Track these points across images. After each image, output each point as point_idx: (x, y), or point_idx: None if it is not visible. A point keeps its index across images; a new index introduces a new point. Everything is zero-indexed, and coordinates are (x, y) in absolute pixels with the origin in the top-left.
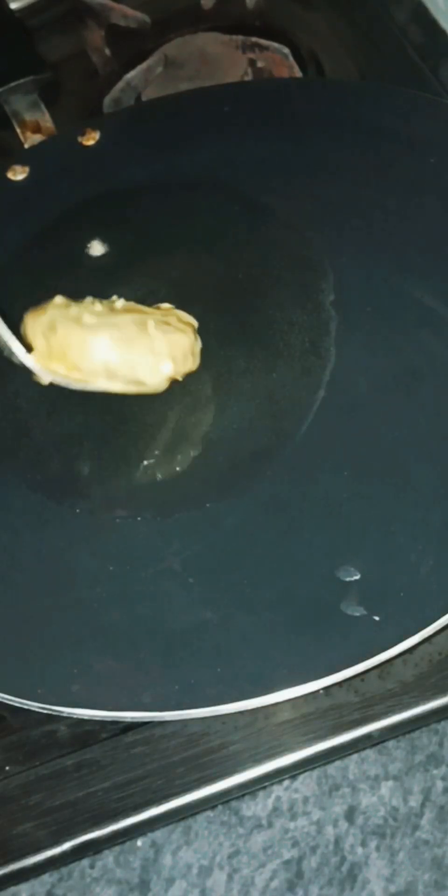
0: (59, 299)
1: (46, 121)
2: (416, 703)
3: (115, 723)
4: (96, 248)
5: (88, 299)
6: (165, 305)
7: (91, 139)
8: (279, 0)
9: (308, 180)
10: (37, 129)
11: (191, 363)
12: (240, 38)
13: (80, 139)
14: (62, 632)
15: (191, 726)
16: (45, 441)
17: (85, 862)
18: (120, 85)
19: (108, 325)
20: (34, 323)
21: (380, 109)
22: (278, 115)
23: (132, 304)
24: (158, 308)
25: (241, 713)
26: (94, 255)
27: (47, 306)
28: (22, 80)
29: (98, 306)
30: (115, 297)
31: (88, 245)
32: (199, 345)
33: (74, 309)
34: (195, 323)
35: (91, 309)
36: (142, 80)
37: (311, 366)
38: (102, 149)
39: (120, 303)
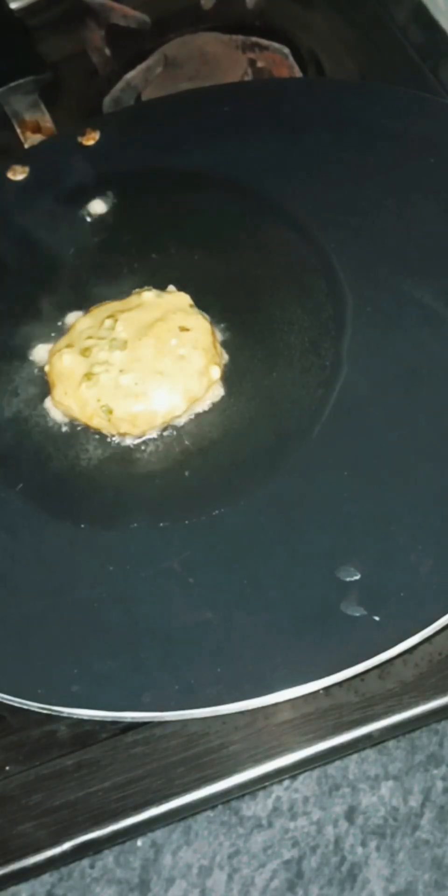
0: (80, 325)
1: (46, 121)
2: (416, 703)
3: (115, 723)
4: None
5: (107, 321)
6: (183, 296)
7: (91, 139)
8: (279, 0)
9: (308, 180)
10: (37, 129)
11: (207, 381)
12: (240, 38)
13: (80, 139)
14: (62, 632)
15: (191, 726)
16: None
17: (85, 862)
18: (120, 85)
19: (125, 389)
20: (57, 378)
21: (380, 109)
22: (278, 115)
23: (150, 318)
24: (176, 308)
25: (242, 713)
26: (95, 254)
27: (64, 348)
28: (22, 80)
29: (118, 328)
30: (136, 291)
31: (88, 243)
32: (220, 355)
33: (88, 345)
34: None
35: (105, 347)
36: (142, 79)
37: (310, 366)
38: (102, 149)
39: (136, 316)
